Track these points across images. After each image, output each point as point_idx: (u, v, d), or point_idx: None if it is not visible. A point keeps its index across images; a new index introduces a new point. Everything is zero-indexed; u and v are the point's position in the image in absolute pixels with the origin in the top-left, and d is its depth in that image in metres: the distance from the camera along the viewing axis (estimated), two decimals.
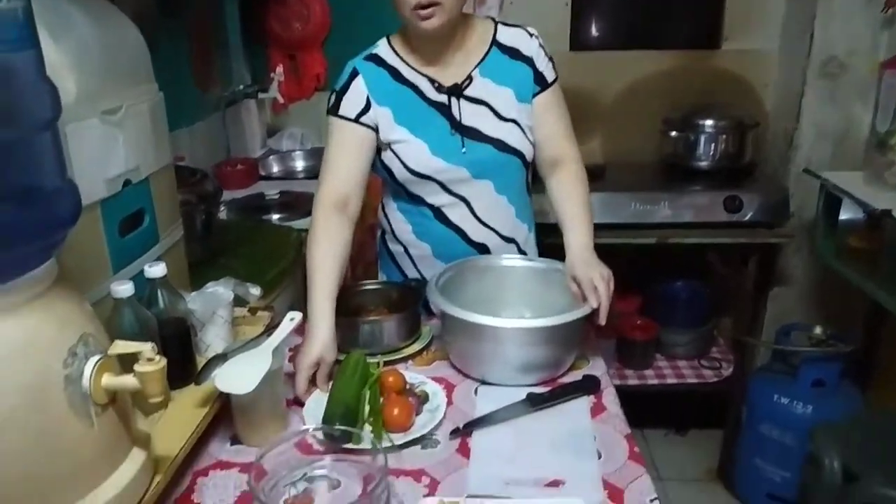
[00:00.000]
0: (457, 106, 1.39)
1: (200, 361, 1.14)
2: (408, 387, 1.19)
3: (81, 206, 0.76)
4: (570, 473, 1.00)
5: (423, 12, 1.26)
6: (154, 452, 0.90)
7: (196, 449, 1.04)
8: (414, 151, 1.38)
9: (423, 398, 1.17)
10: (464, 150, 1.39)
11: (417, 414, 1.12)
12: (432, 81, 1.39)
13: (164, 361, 0.77)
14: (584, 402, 1.18)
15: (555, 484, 0.98)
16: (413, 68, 1.39)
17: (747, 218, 2.18)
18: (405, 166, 1.39)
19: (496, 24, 1.43)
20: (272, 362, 1.03)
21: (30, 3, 0.67)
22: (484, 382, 1.24)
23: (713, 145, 2.32)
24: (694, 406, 2.61)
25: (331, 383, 1.18)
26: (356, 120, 1.37)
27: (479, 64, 1.40)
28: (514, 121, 1.41)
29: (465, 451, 1.06)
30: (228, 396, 1.06)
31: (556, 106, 1.45)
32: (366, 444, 1.01)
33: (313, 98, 2.88)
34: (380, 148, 1.41)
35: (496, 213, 1.46)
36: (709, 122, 2.31)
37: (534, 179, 1.52)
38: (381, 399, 1.14)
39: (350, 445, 1.02)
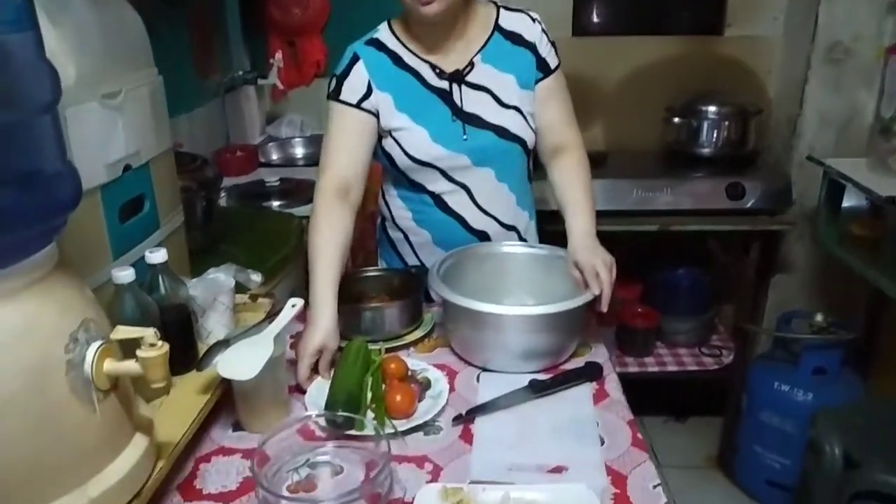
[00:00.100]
0: (458, 92, 1.38)
1: (201, 348, 1.13)
2: (410, 373, 1.18)
3: (82, 190, 0.75)
4: (572, 459, 1.00)
5: None
6: (156, 438, 0.90)
7: (198, 435, 1.04)
8: (414, 138, 1.37)
9: (426, 385, 1.16)
10: (465, 137, 1.38)
11: (420, 400, 1.12)
12: (433, 67, 1.37)
13: (166, 347, 0.76)
14: (586, 389, 1.18)
15: (558, 470, 0.98)
16: (414, 54, 1.38)
17: (749, 205, 2.18)
18: (406, 153, 1.38)
19: (498, 8, 1.41)
20: (274, 349, 1.03)
21: None
22: (486, 369, 1.24)
23: (716, 132, 2.31)
24: (694, 393, 2.61)
25: (333, 370, 1.18)
26: (357, 105, 1.36)
27: (480, 50, 1.38)
28: (515, 108, 1.39)
29: (467, 437, 1.06)
30: (230, 383, 1.06)
31: (559, 92, 1.44)
32: (369, 431, 1.01)
33: (313, 85, 2.86)
34: (380, 135, 1.40)
35: (497, 200, 1.45)
36: (711, 109, 2.30)
37: (534, 166, 1.51)
38: (384, 386, 1.13)
39: (353, 432, 1.02)
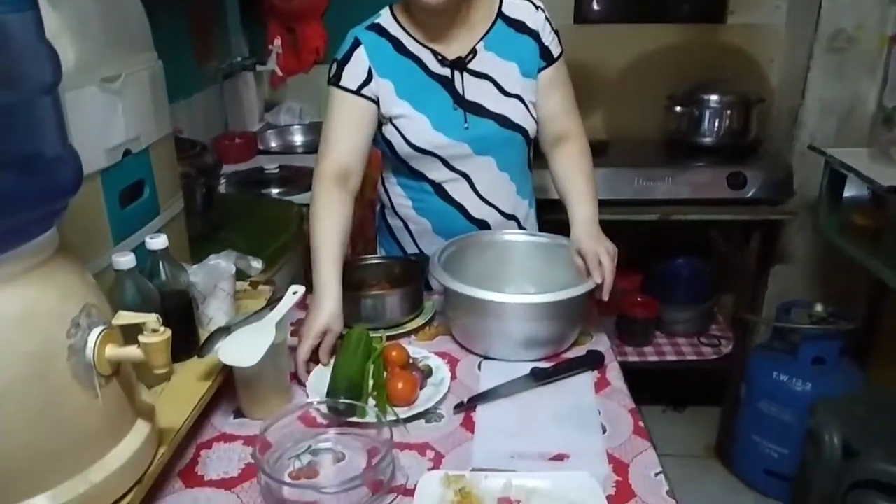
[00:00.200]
0: (460, 80, 1.37)
1: (202, 335, 1.13)
2: (411, 361, 1.18)
3: (83, 174, 0.75)
4: (574, 447, 1.00)
5: None
6: (158, 425, 0.89)
7: (199, 422, 1.04)
8: (415, 126, 1.36)
9: (427, 372, 1.16)
10: (466, 125, 1.37)
11: (421, 388, 1.12)
12: (435, 54, 1.36)
13: (168, 332, 0.76)
14: (588, 378, 1.18)
15: (559, 458, 0.98)
16: (416, 40, 1.36)
17: (750, 195, 2.17)
18: (406, 141, 1.37)
19: None
20: (276, 335, 1.03)
21: None
22: (487, 357, 1.24)
23: (717, 121, 2.30)
24: (693, 383, 2.62)
25: (334, 358, 1.17)
26: (357, 92, 1.35)
27: (483, 37, 1.37)
28: (517, 96, 1.38)
29: (469, 425, 1.06)
30: (231, 370, 1.05)
31: (562, 82, 1.43)
32: (370, 418, 1.01)
33: (312, 72, 2.84)
34: (380, 122, 1.39)
35: (498, 189, 1.45)
36: (713, 98, 2.29)
37: (534, 155, 1.50)
38: (385, 373, 1.13)
39: (355, 419, 1.02)
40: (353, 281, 1.36)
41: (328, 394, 1.07)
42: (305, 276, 1.93)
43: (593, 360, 1.21)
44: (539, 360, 1.22)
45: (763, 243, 2.33)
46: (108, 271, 0.99)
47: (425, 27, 1.36)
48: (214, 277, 1.16)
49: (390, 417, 1.03)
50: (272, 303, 1.15)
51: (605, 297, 1.22)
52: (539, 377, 1.15)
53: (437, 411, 1.09)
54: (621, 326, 2.50)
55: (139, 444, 0.82)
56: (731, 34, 2.51)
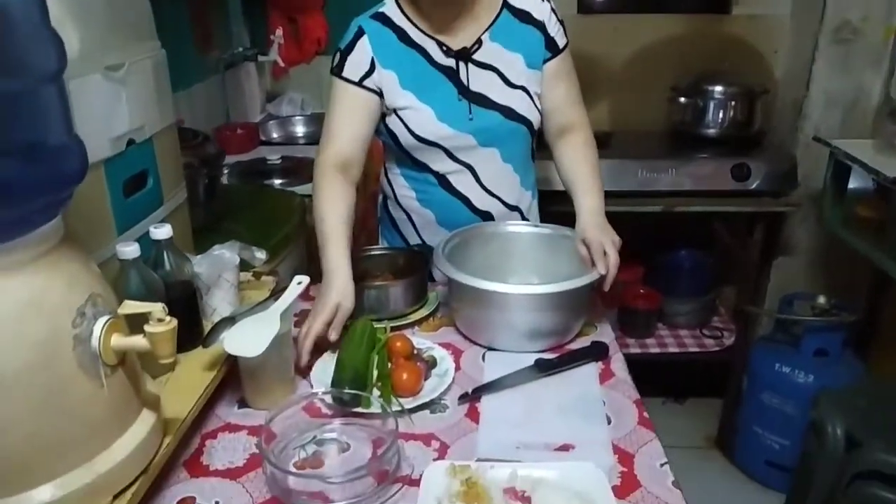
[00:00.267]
0: (465, 71, 1.36)
1: (206, 325, 1.13)
2: (415, 352, 1.18)
3: (88, 163, 0.74)
4: (580, 438, 1.00)
5: None
6: (163, 415, 0.89)
7: (204, 412, 1.04)
8: (420, 117, 1.36)
9: (431, 363, 1.16)
10: (471, 116, 1.36)
11: (426, 379, 1.12)
12: (440, 45, 1.35)
13: (174, 322, 0.75)
14: (592, 368, 1.18)
15: (565, 448, 0.98)
16: (421, 30, 1.35)
17: (754, 186, 2.16)
18: (410, 132, 1.37)
19: None
20: (281, 326, 1.02)
21: None
22: (491, 348, 1.23)
23: (721, 112, 2.28)
24: (695, 375, 2.62)
25: (338, 350, 1.17)
26: (359, 83, 1.34)
27: (489, 28, 1.36)
28: (522, 88, 1.38)
29: (474, 415, 1.06)
30: (236, 360, 1.05)
31: (567, 73, 1.42)
32: (375, 409, 1.01)
33: (314, 63, 2.83)
34: (384, 113, 1.38)
35: (502, 181, 1.44)
36: (718, 89, 2.28)
37: (538, 146, 1.50)
38: (389, 364, 1.13)
39: (359, 409, 1.02)
40: (357, 272, 1.35)
41: (333, 384, 1.07)
42: (308, 266, 1.93)
43: (598, 351, 1.21)
44: (543, 351, 1.22)
45: (766, 235, 2.32)
46: (112, 261, 0.99)
47: (430, 17, 1.35)
48: (218, 268, 1.15)
49: (395, 408, 1.03)
50: (276, 293, 1.14)
51: (607, 289, 1.22)
52: (544, 368, 1.15)
53: (442, 402, 1.09)
54: (623, 318, 2.50)
55: (145, 434, 0.82)
56: (735, 25, 2.50)
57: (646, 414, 1.07)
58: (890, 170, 1.72)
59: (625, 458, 0.96)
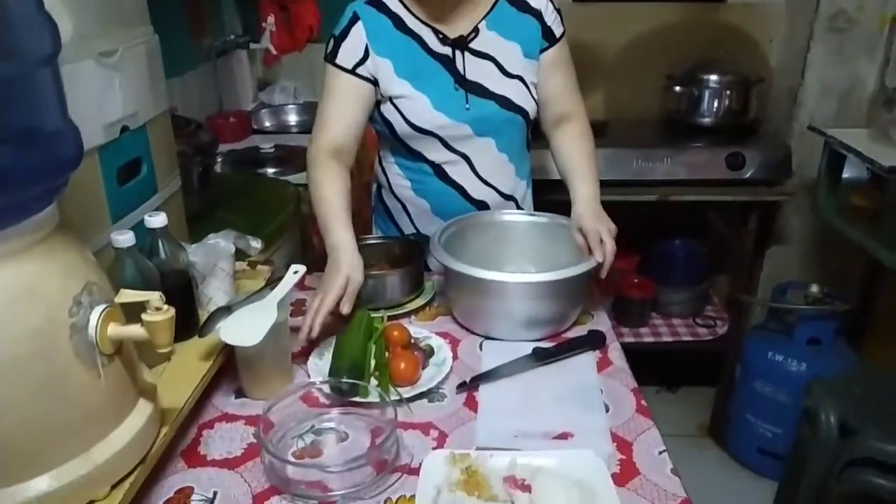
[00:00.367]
0: (461, 59, 1.35)
1: (202, 315, 1.12)
2: (413, 341, 1.18)
3: (83, 149, 0.73)
4: (578, 426, 1.00)
5: None
6: (160, 404, 0.89)
7: (200, 402, 1.03)
8: (415, 106, 1.34)
9: (429, 352, 1.16)
10: (467, 106, 1.35)
11: (423, 368, 1.12)
12: (437, 32, 1.34)
13: (172, 311, 0.75)
14: (589, 357, 1.18)
15: (563, 437, 0.98)
16: (417, 17, 1.34)
17: (748, 175, 2.17)
18: (406, 121, 1.36)
19: None
20: (278, 315, 1.02)
21: None
22: (488, 337, 1.23)
23: (716, 101, 2.28)
24: (688, 364, 2.63)
25: (335, 339, 1.17)
26: (353, 71, 1.32)
27: (486, 16, 1.35)
28: (519, 77, 1.37)
29: (472, 404, 1.06)
30: (232, 350, 1.05)
31: (564, 62, 1.42)
32: (373, 398, 1.01)
33: (306, 50, 2.80)
34: (379, 101, 1.37)
35: (497, 170, 1.44)
36: (713, 78, 2.27)
37: (533, 135, 1.49)
38: (387, 353, 1.13)
39: (357, 399, 1.01)
40: None
41: (330, 374, 1.06)
42: (303, 256, 1.92)
43: (595, 340, 1.21)
44: (540, 339, 1.21)
45: (760, 224, 2.33)
46: (107, 250, 0.98)
47: (426, 4, 1.33)
48: (214, 257, 1.14)
49: (393, 397, 1.02)
50: (271, 283, 1.14)
51: (604, 276, 1.22)
52: (541, 357, 1.15)
53: (440, 391, 1.09)
54: (618, 307, 2.51)
55: (142, 424, 0.82)
56: (730, 13, 2.49)
57: (644, 402, 1.07)
58: (885, 159, 1.72)
59: (623, 446, 0.97)
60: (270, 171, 2.15)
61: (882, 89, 2.13)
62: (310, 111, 2.67)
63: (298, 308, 1.34)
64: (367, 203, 1.72)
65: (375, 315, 1.22)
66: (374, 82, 1.34)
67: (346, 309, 1.15)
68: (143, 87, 1.12)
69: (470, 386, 1.09)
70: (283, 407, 0.98)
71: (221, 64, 2.60)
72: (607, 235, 1.22)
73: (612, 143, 2.18)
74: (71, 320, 0.71)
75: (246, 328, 0.99)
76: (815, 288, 2.06)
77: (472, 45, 1.35)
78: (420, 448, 0.95)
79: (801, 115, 2.30)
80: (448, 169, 1.41)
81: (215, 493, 0.88)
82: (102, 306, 0.74)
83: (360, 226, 2.05)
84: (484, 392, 1.08)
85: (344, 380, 1.02)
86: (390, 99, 1.35)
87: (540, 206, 1.52)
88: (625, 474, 0.91)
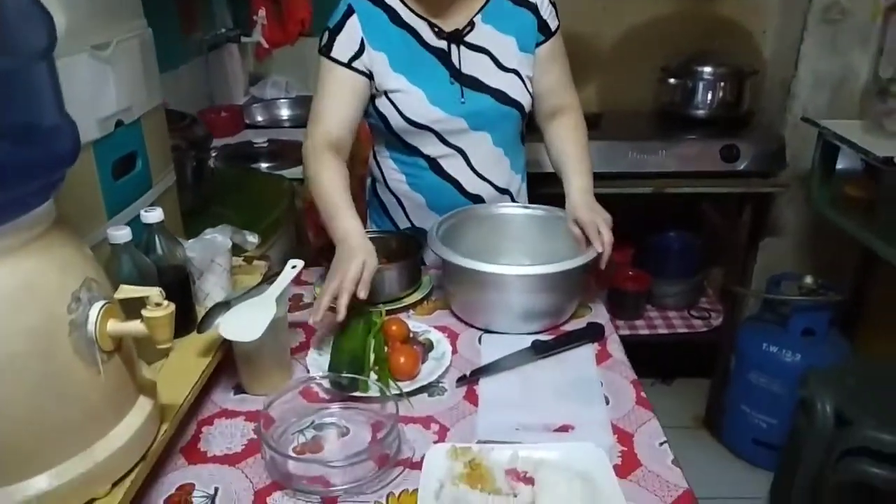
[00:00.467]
0: (456, 53, 1.34)
1: (199, 311, 1.11)
2: (412, 335, 1.17)
3: (80, 144, 0.72)
4: (579, 419, 1.00)
5: None
6: (159, 401, 0.88)
7: (199, 398, 1.03)
8: (411, 100, 1.34)
9: (428, 346, 1.15)
10: (463, 100, 1.35)
11: (423, 362, 1.11)
12: (432, 26, 1.33)
13: (172, 306, 0.74)
14: (589, 350, 1.18)
15: (564, 429, 0.98)
16: (412, 10, 1.33)
17: (743, 167, 2.17)
18: (401, 115, 1.35)
19: None
20: (277, 310, 1.01)
21: None
22: (487, 331, 1.23)
23: (711, 93, 2.28)
24: (682, 356, 2.64)
25: (334, 335, 1.16)
26: (348, 65, 1.31)
27: (481, 9, 1.35)
28: (514, 71, 1.36)
29: (472, 398, 1.06)
30: (230, 345, 1.04)
31: (560, 56, 1.42)
32: (373, 392, 1.01)
33: (298, 44, 2.77)
34: (373, 95, 1.36)
35: (493, 164, 1.43)
36: (707, 70, 2.27)
37: (528, 128, 1.49)
38: (386, 348, 1.12)
39: (357, 393, 1.01)
40: None
41: (330, 369, 1.06)
42: (299, 251, 1.91)
43: (594, 333, 1.21)
44: (539, 332, 1.21)
45: (754, 216, 2.33)
46: (103, 246, 0.97)
47: None
48: (211, 252, 1.14)
49: (393, 391, 1.02)
50: (268, 278, 1.13)
51: (604, 266, 1.22)
52: (540, 350, 1.15)
53: (440, 385, 1.09)
54: (613, 300, 2.51)
55: (142, 421, 0.81)
56: (724, 5, 2.49)
57: (643, 394, 1.07)
58: (880, 149, 1.73)
59: (624, 437, 0.97)
60: (264, 165, 2.14)
61: (876, 80, 2.13)
62: (302, 105, 2.65)
63: (297, 303, 1.33)
64: (362, 197, 1.71)
65: (374, 309, 1.21)
66: (370, 76, 1.33)
67: (363, 294, 1.12)
68: (137, 80, 1.11)
69: (470, 379, 1.09)
70: (284, 402, 0.97)
71: (213, 58, 2.58)
72: (604, 226, 1.22)
73: (606, 135, 2.18)
74: (70, 317, 0.70)
75: (245, 323, 0.99)
76: (808, 279, 2.07)
77: (468, 38, 1.34)
78: (421, 442, 0.95)
79: (795, 106, 2.30)
80: (443, 163, 1.41)
81: (216, 490, 0.88)
82: (102, 302, 0.73)
83: None
84: (484, 385, 1.08)
85: (344, 374, 1.02)
86: (385, 93, 1.34)
87: (534, 199, 1.52)
88: (626, 466, 0.91)
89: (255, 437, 0.96)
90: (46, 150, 0.66)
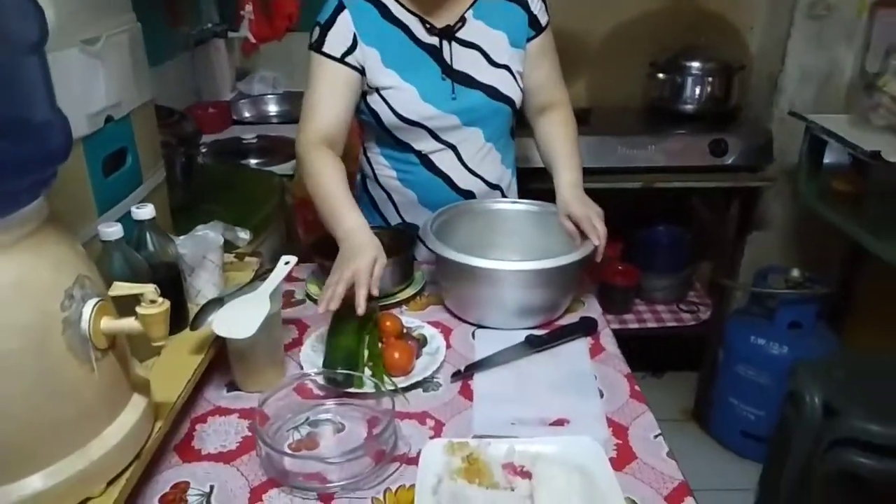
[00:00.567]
0: (448, 50, 1.34)
1: (191, 307, 1.10)
2: (406, 331, 1.17)
3: (72, 140, 0.71)
4: (574, 412, 1.00)
5: None
6: (153, 399, 0.87)
7: (192, 396, 1.02)
8: (403, 97, 1.33)
9: (422, 341, 1.15)
10: (454, 96, 1.34)
11: (417, 357, 1.11)
12: (423, 22, 1.33)
13: (167, 303, 0.73)
14: (582, 344, 1.18)
15: (559, 423, 0.98)
16: (403, 6, 1.33)
17: (731, 162, 2.18)
18: (393, 112, 1.34)
19: None
20: (270, 306, 1.00)
21: None
22: (481, 326, 1.23)
23: (699, 88, 2.29)
24: (671, 349, 2.66)
25: (327, 332, 1.15)
26: (341, 60, 1.30)
27: (472, 5, 1.34)
28: (505, 66, 1.36)
29: (467, 393, 1.06)
30: (223, 343, 1.03)
31: (550, 51, 1.42)
32: (369, 388, 1.00)
33: (285, 39, 2.75)
34: (365, 91, 1.35)
35: (484, 160, 1.43)
36: (695, 65, 2.28)
37: (517, 123, 1.49)
38: (380, 343, 1.12)
39: (353, 389, 1.01)
40: None
41: (324, 365, 1.05)
42: (289, 247, 1.90)
43: (587, 327, 1.21)
44: (533, 327, 1.22)
45: (742, 210, 2.35)
46: (94, 243, 0.96)
47: None
48: (202, 249, 1.13)
49: (388, 387, 1.02)
50: (261, 274, 1.12)
51: (599, 259, 1.22)
52: (535, 344, 1.15)
53: (435, 380, 1.09)
54: (602, 294, 2.50)
55: (136, 419, 0.80)
56: (711, 1, 2.50)
57: (637, 387, 1.08)
58: (866, 144, 1.75)
59: (619, 430, 0.97)
60: (253, 161, 2.12)
61: (863, 74, 2.15)
62: (290, 101, 2.64)
63: (288, 300, 1.33)
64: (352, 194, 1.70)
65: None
66: (362, 71, 1.32)
67: (375, 291, 1.10)
68: (126, 75, 1.10)
69: (464, 374, 1.09)
70: (278, 399, 0.97)
71: (199, 53, 2.56)
72: (597, 219, 1.23)
73: (595, 130, 2.18)
74: (63, 314, 0.69)
75: (239, 320, 0.98)
76: (795, 272, 2.09)
77: (459, 34, 1.34)
78: (417, 437, 0.95)
79: (782, 101, 2.32)
80: (435, 158, 1.40)
81: (212, 488, 0.87)
82: (95, 300, 0.72)
83: None
84: (479, 380, 1.08)
85: (339, 371, 1.01)
86: (377, 90, 1.34)
87: (524, 194, 1.52)
88: (622, 459, 0.92)
89: (250, 434, 0.96)
90: (39, 145, 0.66)
